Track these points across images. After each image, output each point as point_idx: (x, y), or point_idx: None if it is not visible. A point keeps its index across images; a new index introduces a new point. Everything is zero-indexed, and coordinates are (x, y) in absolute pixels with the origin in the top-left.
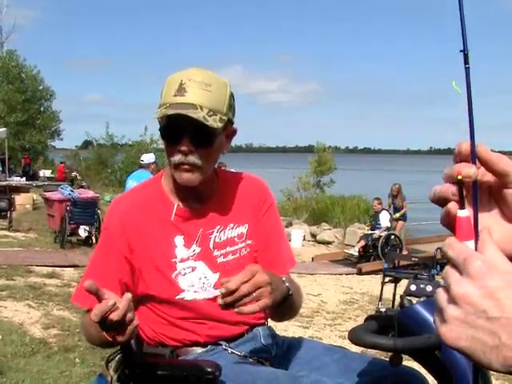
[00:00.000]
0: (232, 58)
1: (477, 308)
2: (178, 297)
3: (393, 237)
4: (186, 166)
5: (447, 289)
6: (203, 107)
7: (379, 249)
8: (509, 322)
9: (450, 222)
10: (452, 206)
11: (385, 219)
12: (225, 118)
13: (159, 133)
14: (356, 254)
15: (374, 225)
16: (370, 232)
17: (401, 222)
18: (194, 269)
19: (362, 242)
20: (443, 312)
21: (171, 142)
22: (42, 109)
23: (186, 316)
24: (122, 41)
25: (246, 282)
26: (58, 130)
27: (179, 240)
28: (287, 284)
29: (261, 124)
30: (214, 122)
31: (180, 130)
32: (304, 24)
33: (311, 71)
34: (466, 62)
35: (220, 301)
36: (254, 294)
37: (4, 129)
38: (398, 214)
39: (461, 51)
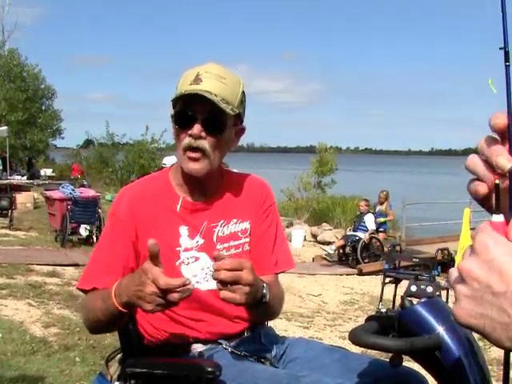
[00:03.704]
0: (235, 58)
1: (482, 283)
2: None
3: (374, 240)
4: (194, 154)
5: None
6: (217, 95)
7: (358, 251)
8: None
9: (476, 199)
10: (480, 188)
11: (370, 222)
12: (236, 110)
13: (171, 119)
14: (332, 252)
15: (357, 226)
16: (350, 233)
17: (382, 234)
18: (197, 259)
19: (341, 242)
20: (454, 291)
21: (183, 126)
22: (43, 107)
23: (187, 306)
24: (125, 39)
25: (229, 269)
26: (60, 129)
27: (184, 230)
28: (264, 291)
29: (262, 124)
30: (226, 108)
31: (192, 114)
32: (307, 23)
33: (314, 71)
34: (507, 59)
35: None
36: (228, 286)
37: (5, 127)
38: (382, 219)
39: (501, 48)
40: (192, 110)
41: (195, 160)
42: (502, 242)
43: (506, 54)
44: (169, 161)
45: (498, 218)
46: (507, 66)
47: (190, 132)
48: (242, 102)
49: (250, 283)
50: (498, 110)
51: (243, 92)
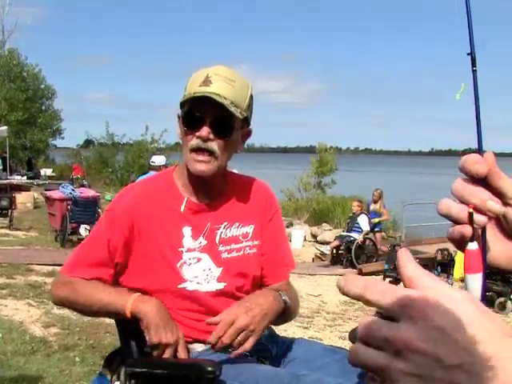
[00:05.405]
0: (235, 58)
1: (428, 357)
2: (179, 286)
3: (368, 241)
4: (203, 157)
5: (384, 341)
6: (226, 98)
7: (353, 252)
8: (474, 367)
9: (458, 244)
10: (467, 231)
11: (364, 223)
12: (244, 114)
13: (178, 120)
14: (327, 252)
15: (351, 227)
16: (345, 234)
17: (378, 234)
18: (199, 260)
19: (336, 242)
20: (386, 371)
21: (192, 127)
22: (43, 107)
23: (186, 308)
24: (125, 39)
25: (224, 333)
26: (60, 129)
27: (187, 230)
28: (284, 298)
29: (262, 124)
30: (236, 112)
31: (201, 116)
32: (307, 24)
33: (314, 71)
34: (474, 64)
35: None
36: (238, 339)
37: (5, 127)
38: (377, 219)
39: (468, 54)
40: (201, 111)
41: (203, 162)
42: (445, 303)
43: (473, 59)
44: (158, 159)
45: (473, 245)
46: (474, 71)
47: (198, 134)
48: (250, 105)
49: (249, 323)
50: (471, 153)
51: (251, 96)
